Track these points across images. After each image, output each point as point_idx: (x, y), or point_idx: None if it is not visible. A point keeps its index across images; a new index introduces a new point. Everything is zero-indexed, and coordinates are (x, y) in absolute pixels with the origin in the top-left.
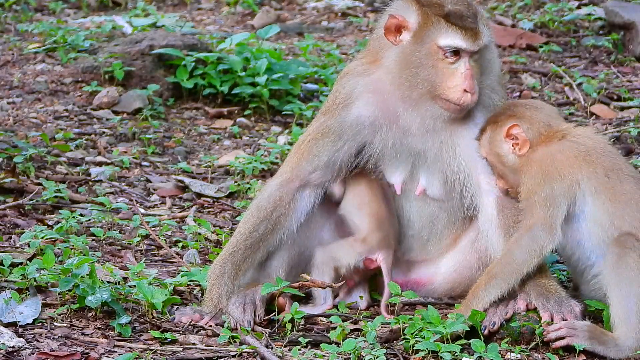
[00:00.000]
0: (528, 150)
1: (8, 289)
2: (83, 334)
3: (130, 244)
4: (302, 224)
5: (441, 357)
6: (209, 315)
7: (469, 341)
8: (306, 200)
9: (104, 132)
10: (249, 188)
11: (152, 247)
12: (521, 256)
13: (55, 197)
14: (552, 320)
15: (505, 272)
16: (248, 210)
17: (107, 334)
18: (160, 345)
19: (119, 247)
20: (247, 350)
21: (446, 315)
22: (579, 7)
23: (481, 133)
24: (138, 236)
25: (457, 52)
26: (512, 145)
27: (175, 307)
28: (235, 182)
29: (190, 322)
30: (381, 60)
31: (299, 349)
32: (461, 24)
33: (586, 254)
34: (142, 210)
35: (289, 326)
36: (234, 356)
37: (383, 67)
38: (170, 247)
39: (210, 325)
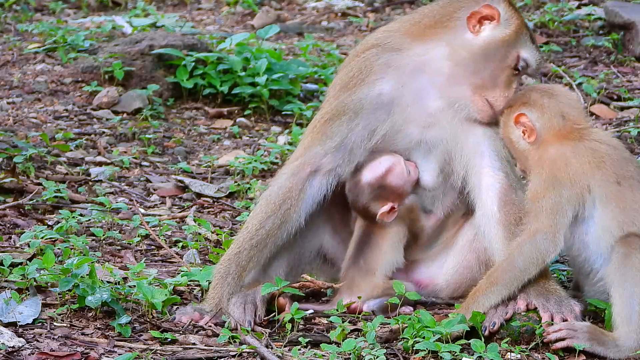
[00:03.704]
0: (536, 139)
1: (8, 289)
2: (83, 334)
3: (130, 244)
4: (302, 226)
5: (441, 357)
6: (209, 315)
7: (469, 341)
8: (317, 188)
9: (104, 132)
10: (249, 188)
11: (152, 247)
12: (522, 263)
13: (55, 197)
14: (552, 320)
15: (505, 278)
16: (257, 204)
17: (107, 334)
18: (160, 345)
19: (119, 247)
20: (247, 350)
21: (446, 315)
22: (579, 7)
23: (501, 115)
24: (138, 236)
25: (523, 69)
26: (522, 132)
27: (175, 307)
28: (235, 182)
29: (190, 322)
30: (440, 37)
31: (299, 349)
32: (538, 47)
33: (593, 257)
34: (142, 210)
35: (289, 326)
36: (234, 356)
37: (441, 43)
38: (170, 247)
39: (210, 325)
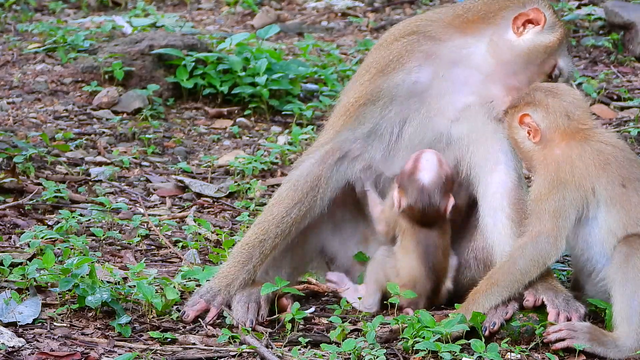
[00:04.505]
0: (541, 139)
1: (8, 289)
2: (83, 334)
3: (130, 244)
4: (325, 212)
5: (441, 357)
6: (215, 307)
7: (469, 341)
8: (342, 174)
9: (104, 132)
10: (249, 188)
11: (152, 247)
12: (524, 265)
13: (55, 197)
14: (558, 316)
15: (506, 280)
16: (283, 190)
17: (107, 334)
18: (160, 345)
19: (119, 247)
20: (247, 350)
21: (446, 315)
22: (579, 7)
23: (505, 115)
24: (138, 236)
25: (556, 77)
26: (527, 132)
27: (175, 306)
28: (235, 182)
29: (198, 316)
30: (483, 32)
31: (299, 349)
32: (572, 58)
33: (596, 257)
34: (142, 210)
35: (289, 326)
36: (234, 356)
37: (483, 39)
38: (169, 247)
39: (213, 320)
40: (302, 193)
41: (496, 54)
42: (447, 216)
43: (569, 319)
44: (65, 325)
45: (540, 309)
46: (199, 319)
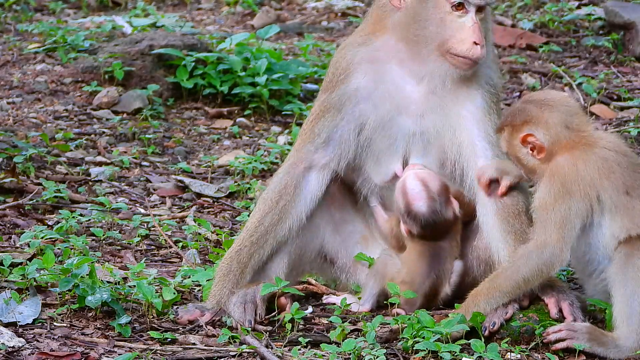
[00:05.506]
0: (546, 154)
1: (8, 289)
2: (83, 334)
3: (130, 244)
4: (303, 222)
5: (441, 357)
6: (210, 312)
7: (469, 341)
8: (314, 184)
9: (103, 132)
10: (249, 188)
11: (152, 247)
12: (527, 273)
13: (55, 197)
14: (560, 304)
15: (508, 286)
16: (256, 205)
17: (107, 334)
18: (160, 345)
19: (119, 247)
20: (247, 350)
21: (446, 315)
22: (579, 7)
23: (500, 130)
24: (138, 236)
25: (463, 5)
26: (530, 149)
27: (175, 306)
28: (235, 182)
29: (192, 320)
30: (385, 26)
31: (299, 349)
32: None
33: (598, 259)
34: (142, 210)
35: (289, 326)
36: (234, 356)
37: (388, 32)
38: (171, 247)
39: (212, 321)
40: (272, 202)
41: (401, 35)
42: (459, 217)
43: (571, 304)
44: (65, 325)
45: (540, 307)
46: (198, 318)
